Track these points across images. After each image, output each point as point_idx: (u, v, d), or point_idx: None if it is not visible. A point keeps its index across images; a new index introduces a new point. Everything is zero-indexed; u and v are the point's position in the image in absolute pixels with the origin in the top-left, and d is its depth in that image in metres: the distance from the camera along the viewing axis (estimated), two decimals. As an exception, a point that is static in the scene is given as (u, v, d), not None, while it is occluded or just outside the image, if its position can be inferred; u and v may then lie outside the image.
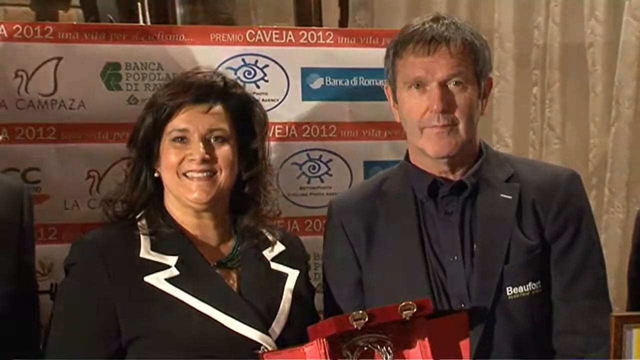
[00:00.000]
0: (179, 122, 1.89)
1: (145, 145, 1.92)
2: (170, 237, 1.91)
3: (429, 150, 1.90)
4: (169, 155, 1.89)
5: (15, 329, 1.87)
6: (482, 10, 3.61)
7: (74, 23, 3.19)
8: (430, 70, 1.87)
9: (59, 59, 2.30)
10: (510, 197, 1.93)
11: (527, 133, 3.53)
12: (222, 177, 1.91)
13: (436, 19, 1.91)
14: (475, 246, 1.90)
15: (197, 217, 1.95)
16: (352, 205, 2.05)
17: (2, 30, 2.26)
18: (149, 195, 1.95)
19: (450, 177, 1.95)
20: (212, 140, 1.90)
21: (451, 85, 1.88)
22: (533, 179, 1.96)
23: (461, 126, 1.89)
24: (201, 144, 1.88)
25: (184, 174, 1.89)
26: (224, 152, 1.91)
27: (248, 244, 1.98)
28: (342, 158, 2.51)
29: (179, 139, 1.89)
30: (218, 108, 1.92)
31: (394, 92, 1.98)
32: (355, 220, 2.02)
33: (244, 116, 1.98)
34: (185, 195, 1.90)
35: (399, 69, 1.93)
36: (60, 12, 3.51)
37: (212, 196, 1.90)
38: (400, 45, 1.92)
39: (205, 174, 1.89)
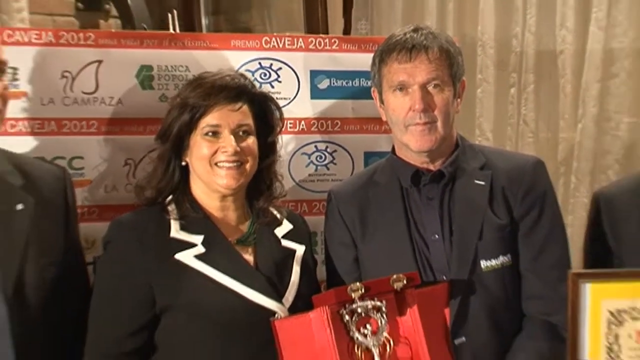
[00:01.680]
0: (212, 119, 1.89)
1: (178, 139, 1.92)
2: (196, 220, 1.91)
3: (412, 145, 1.92)
4: (202, 148, 1.89)
5: (68, 293, 1.88)
6: (467, 21, 3.55)
7: (113, 30, 3.16)
8: (412, 75, 1.87)
9: (100, 62, 2.26)
10: (483, 182, 1.93)
11: (505, 128, 3.47)
12: (249, 165, 1.92)
13: (416, 30, 1.92)
14: (453, 226, 1.91)
15: (222, 201, 1.95)
16: (347, 195, 2.06)
17: (50, 37, 2.22)
18: (177, 182, 1.94)
19: (431, 167, 1.96)
20: (240, 134, 1.91)
21: (430, 88, 1.89)
22: (503, 167, 1.96)
23: (439, 123, 1.90)
24: (232, 138, 1.88)
25: (216, 164, 1.89)
26: (249, 144, 1.92)
27: (261, 222, 1.99)
28: (345, 149, 2.48)
29: (211, 134, 1.89)
30: (245, 107, 1.93)
31: (380, 94, 1.99)
32: (351, 207, 2.03)
33: (264, 114, 2.00)
34: (217, 182, 1.90)
35: (385, 74, 1.93)
36: (101, 21, 3.49)
37: (240, 183, 1.91)
38: (385, 53, 1.93)
39: (235, 164, 1.89)
